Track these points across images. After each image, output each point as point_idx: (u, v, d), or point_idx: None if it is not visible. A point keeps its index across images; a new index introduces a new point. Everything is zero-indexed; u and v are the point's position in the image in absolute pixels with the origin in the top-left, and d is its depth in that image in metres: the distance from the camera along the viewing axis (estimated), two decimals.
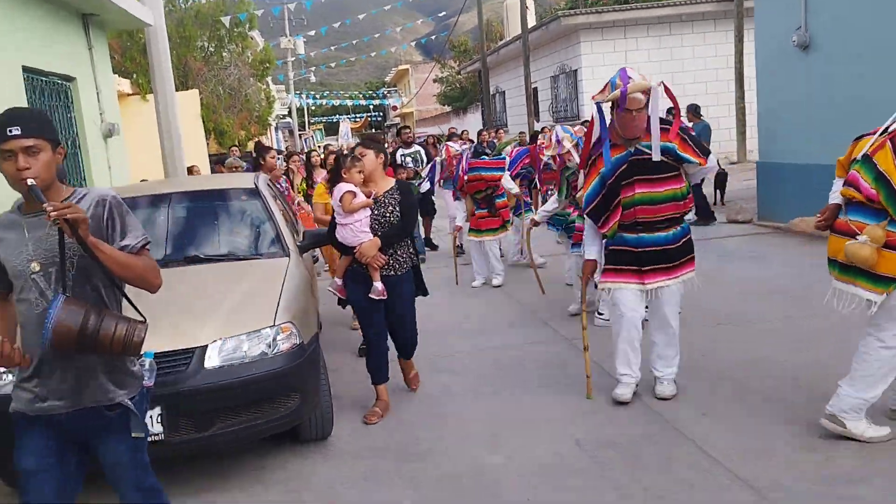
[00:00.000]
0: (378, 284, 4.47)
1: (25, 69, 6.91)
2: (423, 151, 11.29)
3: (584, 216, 4.57)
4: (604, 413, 4.37)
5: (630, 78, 4.13)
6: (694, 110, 11.67)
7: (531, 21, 25.13)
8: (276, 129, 41.20)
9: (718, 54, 18.36)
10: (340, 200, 4.46)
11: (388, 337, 4.76)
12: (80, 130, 8.36)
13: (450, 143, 9.14)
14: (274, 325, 3.84)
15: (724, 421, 4.11)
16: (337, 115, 61.29)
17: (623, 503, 3.36)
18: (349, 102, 56.00)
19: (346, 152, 5.60)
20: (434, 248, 10.92)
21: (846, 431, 3.70)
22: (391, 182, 4.62)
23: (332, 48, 33.57)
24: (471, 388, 5.01)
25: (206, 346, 3.66)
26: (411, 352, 4.90)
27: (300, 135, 42.07)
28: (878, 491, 3.24)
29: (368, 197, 4.47)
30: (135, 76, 16.82)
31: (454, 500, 3.54)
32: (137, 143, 13.07)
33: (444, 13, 33.02)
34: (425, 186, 10.40)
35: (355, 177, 4.48)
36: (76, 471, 2.64)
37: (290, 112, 41.21)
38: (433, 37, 41.59)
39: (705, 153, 4.32)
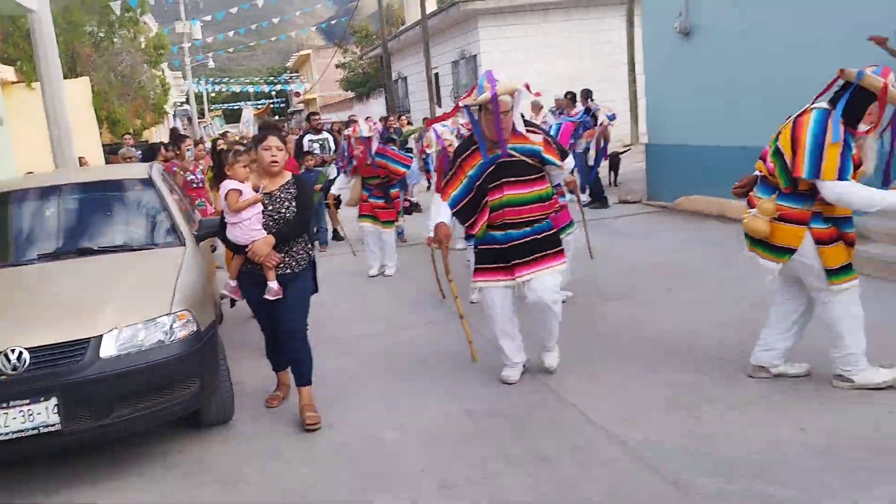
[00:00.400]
0: (273, 284, 4.26)
1: None
2: (331, 139, 11.28)
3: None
4: (494, 385, 4.63)
5: (497, 80, 4.23)
6: (586, 94, 12.13)
7: (432, 6, 25.32)
8: (174, 116, 39.98)
9: (613, 39, 18.99)
10: (226, 199, 4.28)
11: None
12: None
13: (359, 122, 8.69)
14: (171, 313, 3.89)
15: (605, 388, 4.43)
16: (238, 102, 59.91)
17: (510, 467, 3.60)
18: (250, 89, 54.77)
19: (245, 141, 5.52)
20: (341, 239, 10.69)
21: (855, 385, 4.01)
22: (287, 175, 4.42)
23: (231, 33, 32.70)
24: (369, 369, 5.18)
25: (102, 335, 3.69)
26: (306, 371, 4.42)
27: (199, 122, 40.97)
28: (737, 445, 3.60)
29: (257, 192, 4.30)
30: (19, 63, 16.07)
31: (352, 471, 3.71)
32: (25, 134, 12.57)
33: (336, 10, 32.75)
34: (333, 173, 10.36)
35: (239, 172, 4.31)
36: None
37: (188, 99, 40.07)
38: (333, 21, 41.10)
39: (564, 155, 4.57)
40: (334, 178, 10.43)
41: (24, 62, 15.63)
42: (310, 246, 4.51)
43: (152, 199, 5.09)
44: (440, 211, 4.52)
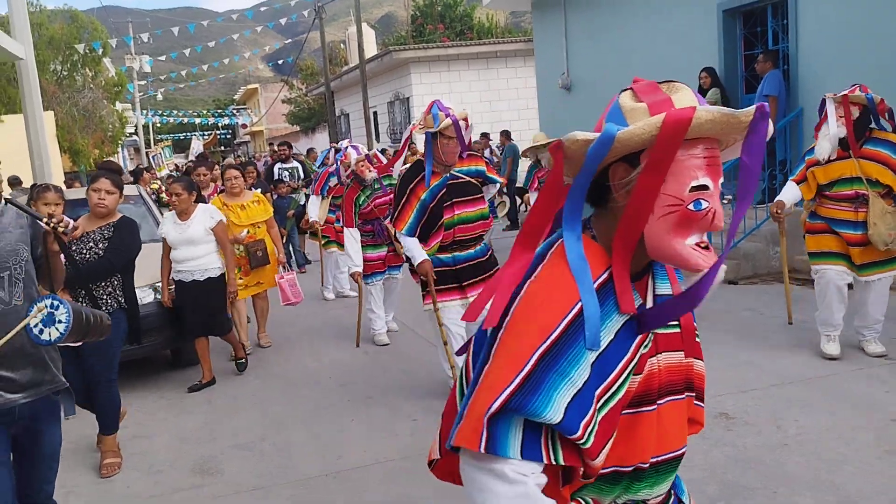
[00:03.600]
0: None
1: None
2: (301, 167, 12.00)
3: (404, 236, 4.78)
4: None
5: (449, 107, 4.64)
6: (506, 134, 14.62)
7: (374, 49, 27.67)
8: (122, 146, 41.30)
9: (528, 86, 21.40)
10: None
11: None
12: None
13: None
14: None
15: None
16: (184, 133, 61.14)
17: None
18: (197, 120, 56.21)
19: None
20: (308, 262, 11.21)
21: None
22: (115, 217, 4.44)
23: (183, 73, 34.42)
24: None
25: None
26: (110, 422, 4.40)
27: (147, 152, 42.40)
28: None
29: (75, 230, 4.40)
30: None
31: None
32: None
33: (290, 40, 34.77)
34: (303, 199, 10.75)
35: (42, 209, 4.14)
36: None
37: (136, 130, 41.53)
38: (280, 61, 43.08)
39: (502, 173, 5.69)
40: (304, 204, 10.78)
41: None
42: (119, 293, 4.37)
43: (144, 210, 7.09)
44: (414, 245, 4.70)
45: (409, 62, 21.12)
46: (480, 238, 4.90)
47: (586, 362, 1.30)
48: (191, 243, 5.57)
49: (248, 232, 6.51)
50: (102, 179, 4.37)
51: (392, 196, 5.73)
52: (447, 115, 4.57)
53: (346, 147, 7.29)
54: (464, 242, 4.79)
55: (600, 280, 1.38)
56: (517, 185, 15.24)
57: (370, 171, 6.52)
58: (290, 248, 10.71)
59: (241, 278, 6.40)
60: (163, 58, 32.11)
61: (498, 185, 5.11)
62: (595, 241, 1.44)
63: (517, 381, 1.28)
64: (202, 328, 5.72)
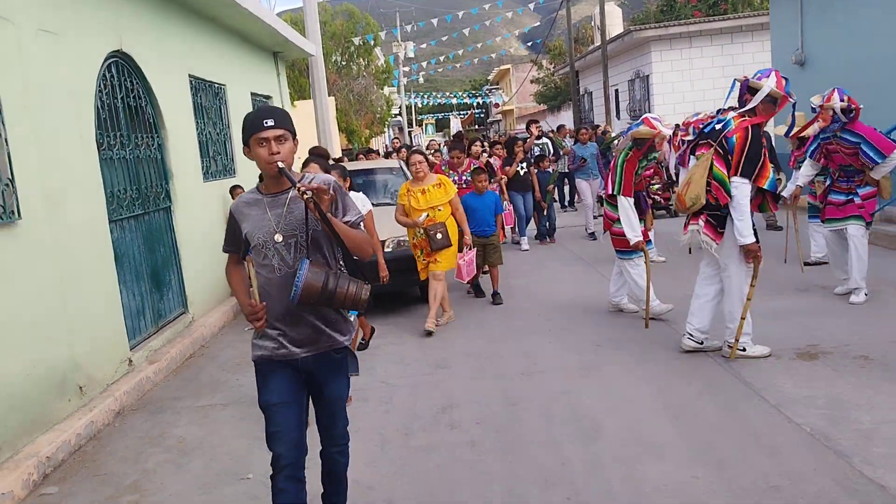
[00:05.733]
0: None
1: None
2: (550, 143, 12.88)
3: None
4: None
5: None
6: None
7: (621, 27, 28.36)
8: (388, 126, 45.63)
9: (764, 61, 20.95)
10: None
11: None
12: None
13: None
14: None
15: None
16: (443, 112, 65.62)
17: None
18: (454, 100, 60.00)
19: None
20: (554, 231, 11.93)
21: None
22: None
23: (443, 58, 37.36)
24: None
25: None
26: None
27: (409, 131, 46.45)
28: None
29: None
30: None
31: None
32: None
33: (538, 22, 36.19)
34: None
35: None
36: (306, 406, 3.05)
37: (400, 111, 45.67)
38: (529, 43, 44.75)
39: None
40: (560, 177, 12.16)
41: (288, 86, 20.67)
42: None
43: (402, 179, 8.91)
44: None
45: (649, 41, 21.60)
46: None
47: None
48: None
49: (426, 216, 6.80)
50: (312, 164, 4.82)
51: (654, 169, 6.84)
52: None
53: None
54: None
55: None
56: None
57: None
58: (546, 221, 11.80)
59: (423, 259, 7.02)
60: (424, 45, 35.13)
61: None
62: None
63: None
64: None
